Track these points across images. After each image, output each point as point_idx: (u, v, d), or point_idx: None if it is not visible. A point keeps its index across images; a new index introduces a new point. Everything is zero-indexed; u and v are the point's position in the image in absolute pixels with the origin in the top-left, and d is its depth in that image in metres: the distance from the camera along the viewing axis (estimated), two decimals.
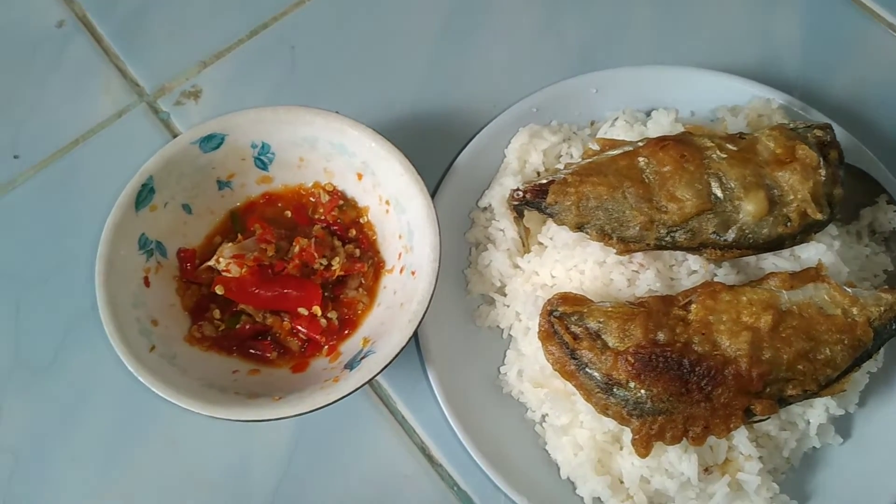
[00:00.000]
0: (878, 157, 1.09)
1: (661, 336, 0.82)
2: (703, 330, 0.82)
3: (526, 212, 0.97)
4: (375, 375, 0.89)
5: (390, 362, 0.89)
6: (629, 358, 0.81)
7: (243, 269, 0.98)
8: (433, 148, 1.12)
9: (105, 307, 0.92)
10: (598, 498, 0.89)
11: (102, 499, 0.98)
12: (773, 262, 0.93)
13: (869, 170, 1.07)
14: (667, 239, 0.88)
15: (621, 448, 0.89)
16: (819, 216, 0.86)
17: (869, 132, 1.20)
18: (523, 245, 1.00)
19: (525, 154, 1.06)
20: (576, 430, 0.90)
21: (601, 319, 0.84)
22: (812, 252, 0.92)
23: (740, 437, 0.88)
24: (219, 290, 0.97)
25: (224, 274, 0.99)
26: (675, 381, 0.80)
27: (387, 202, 1.03)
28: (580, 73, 1.14)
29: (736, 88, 1.10)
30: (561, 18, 1.30)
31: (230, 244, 1.01)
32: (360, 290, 1.02)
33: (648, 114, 1.08)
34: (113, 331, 0.90)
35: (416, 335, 0.97)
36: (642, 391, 0.81)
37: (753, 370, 0.80)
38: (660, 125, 1.02)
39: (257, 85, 1.25)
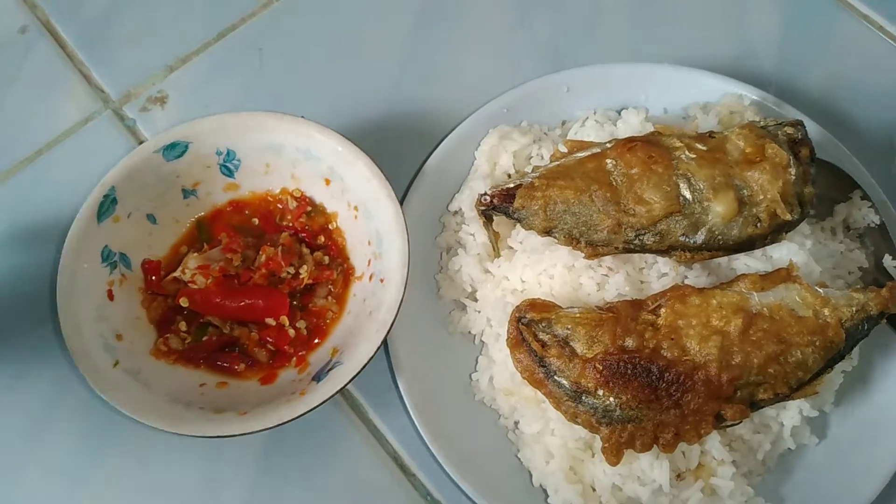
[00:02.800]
0: (853, 151, 1.08)
1: (629, 342, 0.81)
2: (672, 335, 0.81)
3: (495, 216, 0.96)
4: (342, 388, 0.88)
5: (357, 374, 0.88)
6: (597, 365, 0.79)
7: (209, 280, 0.97)
8: (404, 150, 1.11)
9: (67, 323, 0.90)
10: None
11: None
12: (744, 262, 0.92)
13: (843, 165, 1.06)
14: (635, 242, 0.87)
15: (593, 455, 0.88)
16: (788, 217, 0.85)
17: (844, 127, 1.19)
18: (493, 249, 0.99)
19: (495, 156, 1.04)
20: (547, 438, 0.89)
21: (569, 326, 0.83)
22: (784, 252, 0.91)
23: (713, 441, 0.86)
24: (183, 302, 0.96)
25: (189, 285, 0.97)
26: (643, 387, 0.79)
27: (355, 208, 1.01)
28: (553, 71, 1.13)
29: (709, 85, 1.09)
30: (533, 16, 1.28)
31: (195, 254, 0.99)
32: (330, 298, 1.01)
33: (620, 112, 1.06)
34: (75, 347, 0.89)
35: (385, 343, 0.96)
36: (611, 399, 0.79)
37: (723, 375, 0.79)
38: (629, 125, 1.00)
39: (225, 89, 1.22)
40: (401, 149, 1.10)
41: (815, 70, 1.25)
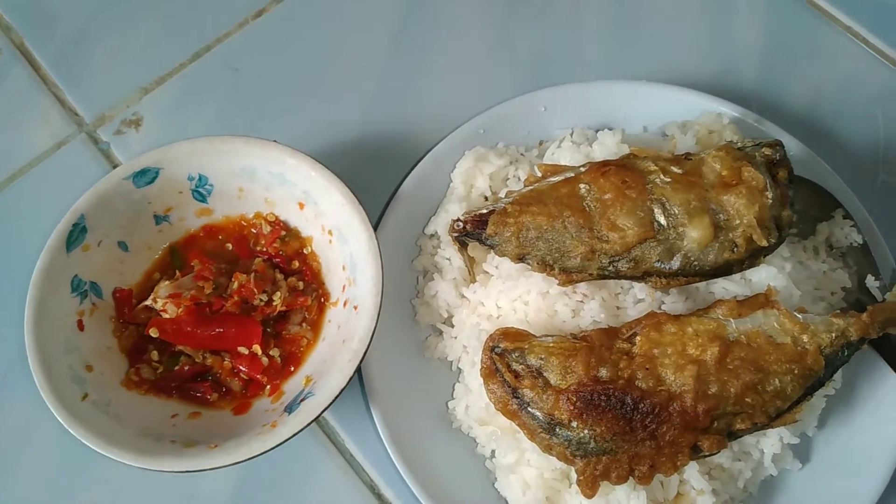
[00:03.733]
0: (836, 167, 1.06)
1: (603, 372, 0.79)
2: (648, 364, 0.79)
3: (469, 241, 0.94)
4: (314, 420, 0.86)
5: (329, 405, 0.86)
6: (570, 397, 0.78)
7: (180, 309, 0.95)
8: (380, 173, 1.10)
9: (34, 356, 0.89)
10: None
11: None
12: (723, 286, 0.90)
13: (825, 182, 1.04)
14: (609, 269, 0.85)
15: (570, 486, 0.86)
16: (765, 243, 0.83)
17: (827, 142, 1.18)
18: (469, 274, 0.97)
19: (471, 178, 1.03)
20: (523, 469, 0.87)
21: (542, 356, 0.81)
22: (763, 275, 0.89)
23: (691, 471, 0.85)
24: (153, 332, 0.94)
25: (161, 314, 0.96)
26: (618, 419, 0.77)
27: (329, 232, 1.00)
28: (532, 90, 1.11)
29: (688, 102, 1.07)
30: (512, 35, 1.27)
31: (167, 282, 0.98)
32: (304, 324, 0.99)
33: (597, 133, 1.04)
34: (42, 381, 0.88)
35: (360, 370, 0.95)
36: (585, 431, 0.78)
37: (699, 406, 0.77)
38: (605, 147, 0.98)
39: (200, 110, 1.21)
40: (376, 171, 1.09)
41: (798, 84, 1.24)
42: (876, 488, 0.89)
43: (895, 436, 0.91)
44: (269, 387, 0.96)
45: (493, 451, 0.93)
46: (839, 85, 1.24)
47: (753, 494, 0.93)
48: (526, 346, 0.82)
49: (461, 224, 0.91)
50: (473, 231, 0.90)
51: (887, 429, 0.92)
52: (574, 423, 0.78)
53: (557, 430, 0.79)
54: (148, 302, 0.97)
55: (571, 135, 1.06)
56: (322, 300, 1.01)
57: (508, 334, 0.84)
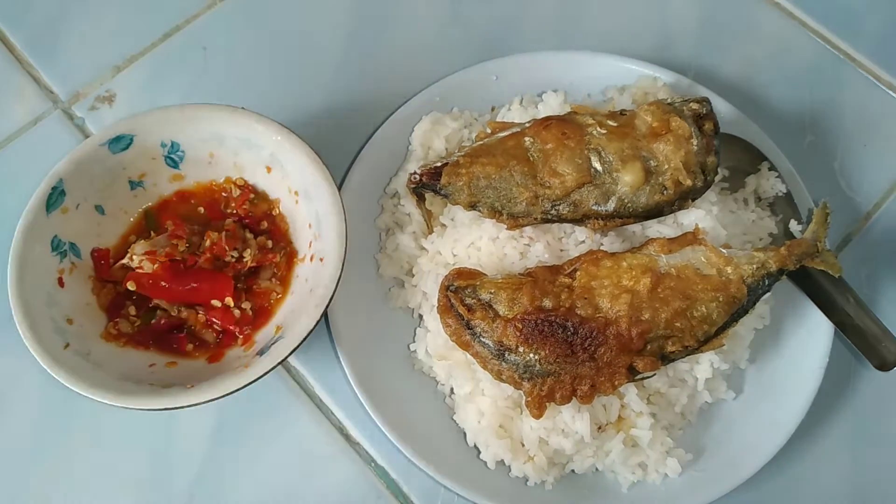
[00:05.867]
0: (767, 130, 1.15)
1: (546, 302, 0.87)
2: (586, 295, 0.87)
3: (427, 195, 1.02)
4: (284, 358, 0.92)
5: (298, 345, 0.92)
6: (517, 325, 0.85)
7: (156, 265, 1.01)
8: (343, 139, 1.16)
9: (18, 308, 0.93)
10: (502, 461, 0.94)
11: (28, 496, 1.00)
12: (657, 229, 0.98)
13: (755, 141, 1.13)
14: (552, 212, 0.93)
15: (521, 412, 0.94)
16: (690, 183, 0.92)
17: (758, 107, 1.27)
18: (427, 226, 1.04)
19: (428, 141, 1.10)
20: (478, 398, 0.95)
21: (492, 290, 0.89)
22: (692, 218, 0.98)
23: (631, 395, 0.93)
24: (130, 285, 0.99)
25: (137, 271, 1.01)
26: (560, 343, 0.85)
27: (296, 193, 1.06)
28: (484, 61, 1.19)
29: (627, 70, 1.16)
30: (465, 8, 1.35)
31: (142, 241, 1.04)
32: (274, 280, 1.05)
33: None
34: (26, 330, 0.92)
35: (327, 319, 1.01)
36: (531, 355, 0.85)
37: (633, 329, 0.85)
38: (549, 107, 1.07)
39: (171, 87, 1.27)
40: (339, 137, 1.16)
41: (733, 56, 1.33)
42: (800, 410, 0.98)
43: (816, 364, 1.00)
44: (241, 337, 1.02)
45: (451, 389, 1.00)
46: (771, 57, 1.33)
47: (692, 422, 1.01)
48: (477, 283, 0.90)
49: (417, 176, 0.98)
50: (429, 182, 0.97)
51: (810, 359, 1.01)
52: (521, 349, 0.86)
53: (506, 355, 0.87)
54: (125, 260, 1.02)
55: (521, 101, 1.14)
56: (290, 257, 1.07)
57: (462, 273, 0.92)
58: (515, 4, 1.36)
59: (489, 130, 1.01)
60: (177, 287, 1.01)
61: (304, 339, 0.93)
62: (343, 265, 0.96)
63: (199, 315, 1.02)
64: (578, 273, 0.89)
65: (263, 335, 1.01)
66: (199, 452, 1.03)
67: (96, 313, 1.02)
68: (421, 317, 1.04)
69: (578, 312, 0.86)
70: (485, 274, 0.92)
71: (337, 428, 1.04)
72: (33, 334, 0.92)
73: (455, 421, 0.99)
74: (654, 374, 0.90)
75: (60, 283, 1.00)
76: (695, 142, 0.93)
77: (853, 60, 1.34)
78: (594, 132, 0.94)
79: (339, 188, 1.02)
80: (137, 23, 1.32)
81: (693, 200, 0.96)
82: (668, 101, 0.99)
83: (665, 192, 0.93)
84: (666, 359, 0.88)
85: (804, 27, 1.36)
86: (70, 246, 1.02)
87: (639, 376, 0.88)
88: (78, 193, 1.03)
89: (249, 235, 1.07)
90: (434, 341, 0.98)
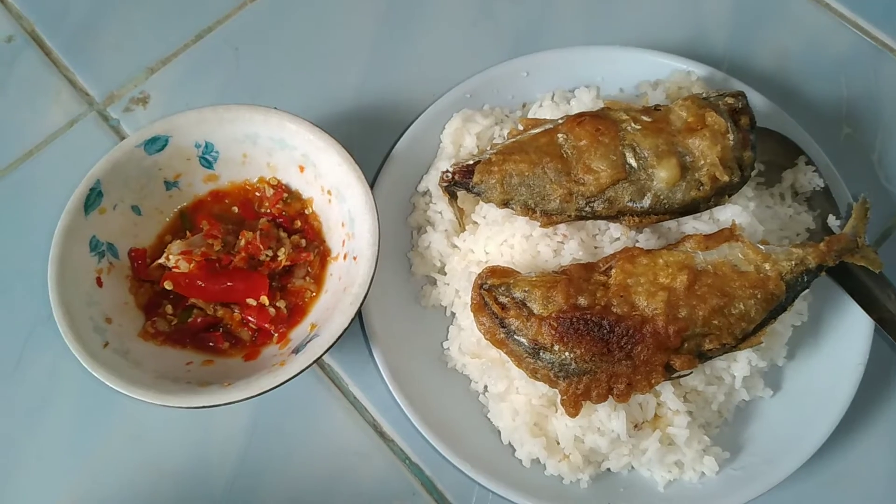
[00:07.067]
0: (802, 123, 1.13)
1: (581, 300, 0.86)
2: (622, 292, 0.86)
3: (459, 193, 1.01)
4: (320, 356, 0.93)
5: (334, 343, 0.93)
6: (552, 322, 0.85)
7: (191, 265, 1.02)
8: (374, 138, 1.17)
9: (58, 307, 0.95)
10: (537, 459, 0.94)
11: (69, 493, 1.02)
12: (692, 225, 0.97)
13: (790, 134, 1.11)
14: (586, 209, 0.92)
15: (556, 410, 0.93)
16: (727, 179, 0.91)
17: (793, 100, 1.25)
18: (459, 225, 1.04)
19: (459, 138, 1.10)
20: (513, 396, 0.95)
21: (526, 288, 0.88)
22: (729, 214, 0.96)
23: (667, 393, 0.92)
24: (167, 285, 1.01)
25: (174, 270, 1.03)
26: (596, 341, 0.84)
27: (328, 192, 1.07)
28: (515, 57, 1.19)
29: (660, 64, 1.14)
30: (495, 5, 1.35)
31: (178, 241, 1.05)
32: (308, 278, 1.06)
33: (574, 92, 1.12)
34: (67, 329, 0.94)
35: (361, 318, 1.02)
36: (566, 353, 0.85)
37: (670, 327, 0.84)
38: (582, 103, 1.06)
39: (203, 87, 1.28)
40: (371, 136, 1.16)
41: (767, 48, 1.31)
42: (840, 407, 0.96)
43: (856, 361, 0.98)
44: (276, 335, 1.03)
45: (485, 387, 1.00)
46: (805, 48, 1.31)
47: (729, 420, 1.00)
48: (511, 281, 0.90)
49: (450, 174, 0.98)
50: (461, 180, 0.97)
51: (850, 355, 0.99)
52: (556, 347, 0.85)
53: (541, 354, 0.86)
54: (161, 260, 1.04)
55: (553, 97, 1.13)
56: (324, 256, 1.08)
57: (495, 271, 0.91)
58: (544, 1, 1.35)
59: (521, 127, 1.01)
60: (212, 286, 1.03)
61: (339, 337, 0.93)
62: (376, 263, 0.97)
63: (235, 314, 1.03)
64: (614, 271, 0.88)
65: (298, 333, 1.02)
66: (235, 449, 1.04)
67: (134, 312, 1.04)
68: (454, 315, 1.04)
69: (614, 310, 0.85)
70: (518, 272, 0.92)
71: (371, 425, 1.05)
72: (74, 333, 0.94)
73: (489, 419, 0.99)
74: (691, 373, 0.89)
75: (99, 282, 1.01)
76: (731, 137, 0.92)
77: (891, 50, 1.31)
78: (628, 128, 0.93)
79: (372, 187, 1.02)
80: (169, 25, 1.33)
81: (729, 196, 0.94)
82: (703, 95, 0.98)
83: (701, 188, 0.91)
84: (703, 357, 0.88)
85: (839, 17, 1.34)
86: (108, 246, 1.04)
87: (675, 374, 0.88)
88: (115, 194, 1.04)
89: (283, 235, 1.08)
90: (467, 339, 0.98)
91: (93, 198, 1.03)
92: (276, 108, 1.06)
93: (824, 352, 1.02)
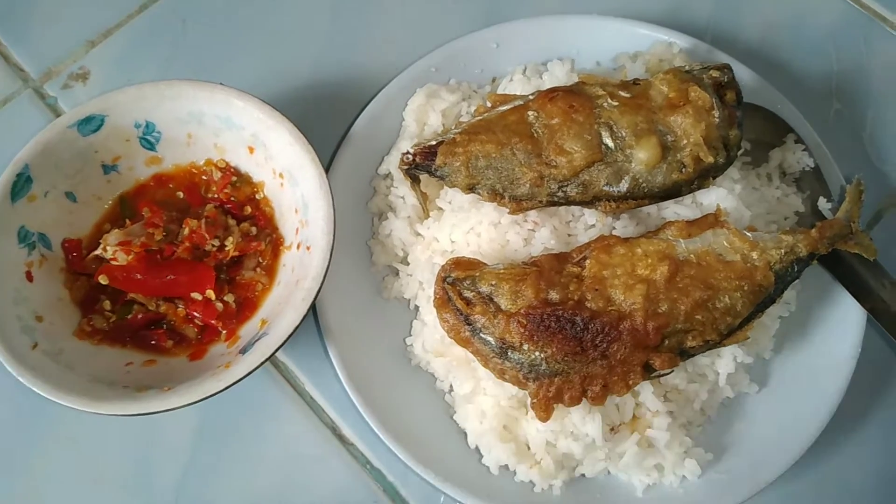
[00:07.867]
0: (792, 99, 1.06)
1: (553, 295, 0.79)
2: (597, 286, 0.79)
3: (422, 176, 0.93)
4: (269, 357, 0.85)
5: (283, 343, 0.86)
6: (521, 320, 0.78)
7: (130, 256, 0.94)
8: (332, 116, 1.09)
9: None
10: (506, 465, 0.87)
11: None
12: (674, 210, 0.90)
13: (778, 110, 1.04)
14: (559, 194, 0.85)
15: (527, 413, 0.86)
16: (712, 160, 0.83)
17: (781, 74, 1.19)
18: (423, 211, 0.97)
19: (423, 116, 1.02)
20: (480, 398, 0.88)
21: (493, 282, 0.81)
22: (713, 197, 0.90)
23: (646, 393, 0.85)
24: (103, 280, 0.93)
25: (111, 262, 0.94)
26: (568, 340, 0.77)
27: (280, 175, 0.99)
28: (484, 27, 1.10)
29: (640, 35, 1.07)
30: None
31: (116, 230, 0.97)
32: (258, 269, 0.98)
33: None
34: None
35: (316, 312, 0.94)
36: (536, 353, 0.78)
37: (649, 323, 0.77)
38: (555, 77, 0.98)
39: (148, 62, 1.19)
40: (327, 115, 1.08)
41: (753, 18, 1.24)
42: (831, 404, 0.90)
43: (848, 354, 0.92)
44: (224, 332, 0.95)
45: (451, 386, 0.93)
46: (794, 18, 1.25)
47: (712, 418, 0.94)
48: (477, 274, 0.82)
49: (411, 156, 0.90)
50: (423, 163, 0.89)
51: (841, 348, 0.94)
52: (525, 346, 0.78)
53: (509, 353, 0.79)
54: (98, 251, 0.96)
55: (524, 71, 1.05)
56: (276, 245, 1.00)
57: (460, 263, 0.84)
58: None
59: (489, 104, 0.93)
60: (153, 279, 0.95)
61: (290, 336, 0.86)
62: (331, 254, 0.89)
63: (179, 309, 0.96)
64: (588, 261, 0.81)
65: (248, 330, 0.95)
66: (182, 454, 0.97)
67: (69, 309, 0.96)
68: (417, 308, 0.97)
69: (588, 305, 0.78)
70: (485, 264, 0.85)
71: (329, 427, 0.98)
72: None
73: (455, 420, 0.92)
74: (672, 372, 0.82)
75: (29, 277, 0.93)
76: (716, 113, 0.84)
77: (883, 20, 1.24)
78: (605, 104, 0.85)
79: (327, 170, 0.95)
80: None
81: (714, 178, 0.87)
82: (686, 68, 0.90)
83: (684, 169, 0.84)
84: (685, 354, 0.81)
85: None
86: (39, 237, 0.96)
87: (655, 374, 0.81)
88: (46, 180, 0.96)
89: (232, 222, 1.00)
90: (431, 336, 0.91)
91: (20, 184, 0.94)
92: (222, 84, 0.97)
93: (814, 345, 0.96)
